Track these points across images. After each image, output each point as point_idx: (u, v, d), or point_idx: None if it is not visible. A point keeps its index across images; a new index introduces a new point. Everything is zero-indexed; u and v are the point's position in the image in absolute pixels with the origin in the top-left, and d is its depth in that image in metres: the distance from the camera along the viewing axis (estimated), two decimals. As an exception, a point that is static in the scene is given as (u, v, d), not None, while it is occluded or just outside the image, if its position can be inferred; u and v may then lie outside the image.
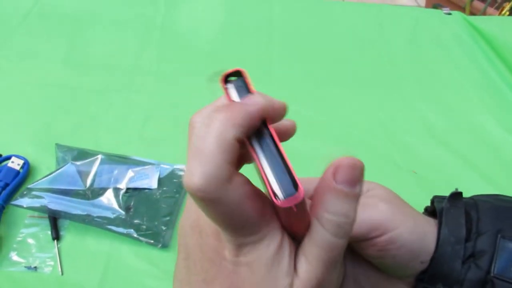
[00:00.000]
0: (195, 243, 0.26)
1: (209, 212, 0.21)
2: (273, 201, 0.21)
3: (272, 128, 0.22)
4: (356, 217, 0.23)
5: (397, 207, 0.33)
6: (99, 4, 0.77)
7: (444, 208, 0.35)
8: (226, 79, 0.23)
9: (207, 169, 0.20)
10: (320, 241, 0.23)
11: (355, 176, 0.23)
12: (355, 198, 0.23)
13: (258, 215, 0.22)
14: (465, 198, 0.36)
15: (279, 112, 0.24)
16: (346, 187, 0.23)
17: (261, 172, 0.21)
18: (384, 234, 0.32)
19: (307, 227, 0.24)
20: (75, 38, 0.71)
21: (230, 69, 0.23)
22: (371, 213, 0.32)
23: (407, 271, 0.34)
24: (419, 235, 0.33)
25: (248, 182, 0.22)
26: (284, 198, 0.21)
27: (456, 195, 0.36)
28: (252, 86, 0.23)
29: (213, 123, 0.21)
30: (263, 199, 0.22)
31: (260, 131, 0.22)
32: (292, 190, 0.21)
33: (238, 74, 0.23)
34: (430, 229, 0.34)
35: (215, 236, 0.24)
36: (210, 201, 0.20)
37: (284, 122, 0.26)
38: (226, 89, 0.23)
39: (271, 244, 0.23)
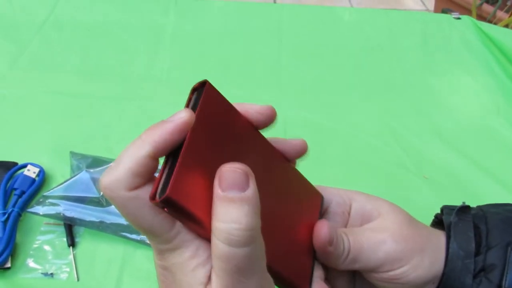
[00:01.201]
0: None
1: (120, 212, 0.24)
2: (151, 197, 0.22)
3: (190, 134, 0.23)
4: (253, 222, 0.22)
5: (406, 242, 0.33)
6: (111, 14, 0.78)
7: (452, 222, 0.35)
8: (195, 90, 0.26)
9: (114, 174, 0.23)
10: (217, 253, 0.23)
11: (237, 181, 0.23)
12: (243, 202, 0.23)
13: (164, 226, 0.24)
14: (473, 209, 0.36)
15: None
16: (231, 192, 0.23)
17: (160, 172, 0.23)
18: (390, 270, 0.32)
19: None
20: (88, 47, 0.72)
21: (199, 81, 0.26)
22: (376, 254, 0.32)
23: None
24: (424, 269, 0.33)
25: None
26: (159, 197, 0.22)
27: (464, 208, 0.36)
28: (207, 98, 0.25)
29: (136, 140, 0.23)
30: None
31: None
32: (164, 191, 0.22)
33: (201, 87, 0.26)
34: (439, 256, 0.34)
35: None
36: (113, 201, 0.23)
37: (292, 142, 0.28)
38: (189, 100, 0.26)
39: (183, 253, 0.24)
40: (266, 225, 0.24)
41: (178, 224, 0.24)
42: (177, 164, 0.22)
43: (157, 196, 0.22)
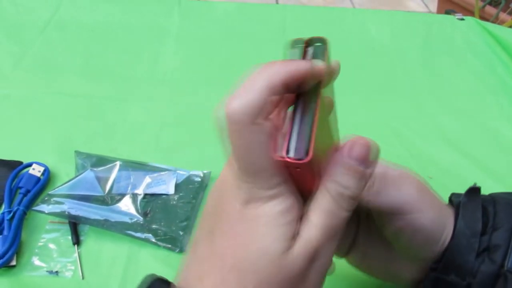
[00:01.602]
0: (211, 202, 0.27)
1: (233, 141, 0.23)
2: (282, 153, 0.23)
3: (320, 96, 0.24)
4: (360, 195, 0.25)
5: (426, 194, 0.34)
6: (115, 15, 0.78)
7: (462, 202, 0.36)
8: (308, 44, 0.27)
9: (248, 97, 0.22)
10: (324, 206, 0.25)
11: (367, 155, 0.25)
12: (363, 176, 0.25)
13: (273, 169, 0.24)
14: (483, 195, 0.37)
15: (334, 77, 0.27)
16: (357, 163, 0.25)
17: (289, 126, 0.24)
18: (406, 214, 0.33)
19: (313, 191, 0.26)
20: (92, 48, 0.72)
21: (316, 36, 0.27)
22: (399, 191, 0.33)
23: (419, 255, 0.35)
24: (439, 226, 0.34)
25: (275, 133, 0.24)
26: (293, 156, 0.23)
27: (474, 190, 0.37)
28: (327, 55, 0.26)
29: (269, 65, 0.23)
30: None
31: (310, 93, 0.24)
32: (302, 155, 0.23)
33: (321, 41, 0.27)
34: (450, 222, 0.34)
35: (233, 186, 0.25)
36: (237, 128, 0.22)
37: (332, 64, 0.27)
38: (306, 51, 0.26)
39: (279, 205, 0.24)
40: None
41: (284, 175, 0.24)
42: (313, 127, 0.24)
43: (291, 154, 0.23)
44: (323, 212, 0.25)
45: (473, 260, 0.33)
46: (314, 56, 0.26)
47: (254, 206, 0.24)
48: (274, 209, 0.24)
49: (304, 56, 0.26)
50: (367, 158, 0.25)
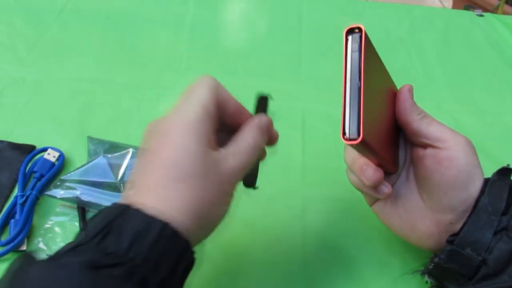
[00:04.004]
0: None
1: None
2: (341, 134, 0.31)
3: (364, 75, 0.31)
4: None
5: (470, 149, 0.38)
6: (130, 1, 0.78)
7: (491, 180, 0.37)
8: (349, 31, 0.34)
9: None
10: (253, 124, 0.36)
11: (267, 125, 0.37)
12: (265, 136, 0.37)
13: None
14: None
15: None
16: (265, 130, 0.37)
17: (343, 108, 0.31)
18: (446, 149, 0.37)
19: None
20: (107, 34, 0.72)
21: (353, 25, 0.33)
22: (446, 131, 0.38)
23: (444, 201, 0.37)
24: (470, 172, 0.37)
25: None
26: (349, 137, 0.31)
27: (506, 170, 0.38)
28: (365, 42, 0.33)
29: None
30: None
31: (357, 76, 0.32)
32: (355, 135, 0.30)
33: (359, 30, 0.34)
34: (480, 183, 0.37)
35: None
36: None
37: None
38: (346, 40, 0.34)
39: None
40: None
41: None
42: (361, 108, 0.31)
43: (347, 136, 0.31)
44: (242, 150, 0.34)
45: (490, 237, 0.34)
46: (353, 46, 0.34)
47: None
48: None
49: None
50: (267, 128, 0.37)
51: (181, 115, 0.33)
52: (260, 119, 0.36)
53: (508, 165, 0.38)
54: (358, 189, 0.41)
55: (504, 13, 1.51)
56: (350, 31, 0.33)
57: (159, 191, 0.30)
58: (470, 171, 0.36)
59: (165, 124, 0.33)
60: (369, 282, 0.45)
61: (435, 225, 0.38)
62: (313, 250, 0.47)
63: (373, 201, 0.42)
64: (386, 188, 0.38)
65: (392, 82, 0.40)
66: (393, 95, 0.39)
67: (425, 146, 0.38)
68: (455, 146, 0.37)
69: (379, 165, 0.37)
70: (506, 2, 1.53)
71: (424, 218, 0.39)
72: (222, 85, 0.35)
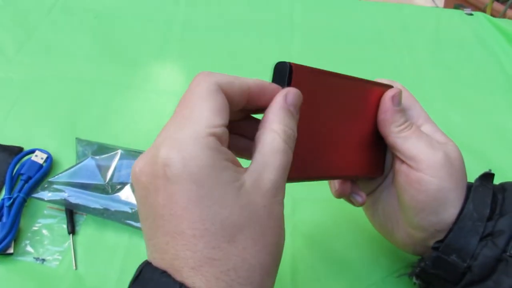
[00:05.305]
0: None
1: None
2: None
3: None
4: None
5: (449, 167, 0.35)
6: (121, 0, 0.77)
7: (474, 186, 0.36)
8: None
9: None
10: (276, 146, 0.28)
11: (298, 101, 0.29)
12: (296, 119, 0.29)
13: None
14: (494, 184, 0.38)
15: None
16: (292, 108, 0.29)
17: None
18: (418, 170, 0.35)
19: None
20: (97, 33, 0.71)
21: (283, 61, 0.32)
22: (424, 147, 0.36)
23: (414, 220, 0.36)
24: (442, 198, 0.35)
25: None
26: None
27: (488, 176, 0.38)
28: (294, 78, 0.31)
29: None
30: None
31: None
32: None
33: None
34: (455, 209, 0.35)
35: None
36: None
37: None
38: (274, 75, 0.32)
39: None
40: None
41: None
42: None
43: None
44: (277, 151, 0.27)
45: (476, 243, 0.34)
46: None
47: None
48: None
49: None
50: (298, 104, 0.29)
51: (186, 156, 0.24)
52: (284, 94, 0.29)
53: (490, 170, 0.38)
54: (342, 198, 0.41)
55: (494, 10, 1.52)
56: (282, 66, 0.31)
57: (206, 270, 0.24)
58: (442, 198, 0.35)
59: (169, 173, 0.25)
60: (358, 281, 0.45)
61: (409, 238, 0.37)
62: (302, 250, 0.47)
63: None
64: (360, 198, 0.38)
65: (366, 88, 0.38)
66: (377, 99, 0.38)
67: (401, 160, 0.37)
68: (429, 169, 0.35)
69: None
70: (497, 0, 1.54)
71: (400, 228, 0.38)
72: (222, 77, 0.28)
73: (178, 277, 0.24)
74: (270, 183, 0.26)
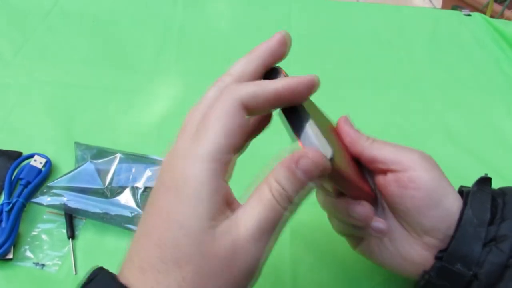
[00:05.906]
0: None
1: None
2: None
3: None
4: (299, 201, 0.27)
5: (428, 162, 0.36)
6: (118, 4, 0.77)
7: (471, 191, 0.36)
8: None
9: None
10: (263, 197, 0.26)
11: (313, 170, 0.26)
12: (303, 186, 0.27)
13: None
14: (493, 189, 0.37)
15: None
16: (301, 174, 0.26)
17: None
18: (405, 171, 0.35)
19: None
20: (95, 37, 0.71)
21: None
22: (399, 148, 0.36)
23: (423, 223, 0.35)
24: (438, 187, 0.35)
25: None
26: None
27: (485, 180, 0.37)
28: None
29: None
30: None
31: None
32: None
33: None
34: (454, 196, 0.35)
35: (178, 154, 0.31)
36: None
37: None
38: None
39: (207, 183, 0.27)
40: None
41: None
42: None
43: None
44: (260, 202, 0.26)
45: (480, 250, 0.33)
46: None
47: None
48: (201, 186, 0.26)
49: None
50: (312, 173, 0.27)
51: (195, 164, 0.26)
52: (297, 157, 0.27)
53: (486, 174, 0.37)
54: (346, 234, 0.39)
55: (493, 11, 1.52)
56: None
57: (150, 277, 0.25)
58: (437, 187, 0.35)
59: (177, 172, 0.27)
60: (359, 284, 0.45)
61: (425, 249, 0.36)
62: (302, 253, 0.47)
63: (356, 243, 0.40)
64: (381, 224, 0.36)
65: (330, 120, 0.39)
66: (336, 132, 0.38)
67: (384, 172, 0.36)
68: (413, 165, 0.35)
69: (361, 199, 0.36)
70: (495, 1, 1.54)
71: (413, 244, 0.36)
72: (248, 89, 0.28)
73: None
74: (244, 232, 0.26)
